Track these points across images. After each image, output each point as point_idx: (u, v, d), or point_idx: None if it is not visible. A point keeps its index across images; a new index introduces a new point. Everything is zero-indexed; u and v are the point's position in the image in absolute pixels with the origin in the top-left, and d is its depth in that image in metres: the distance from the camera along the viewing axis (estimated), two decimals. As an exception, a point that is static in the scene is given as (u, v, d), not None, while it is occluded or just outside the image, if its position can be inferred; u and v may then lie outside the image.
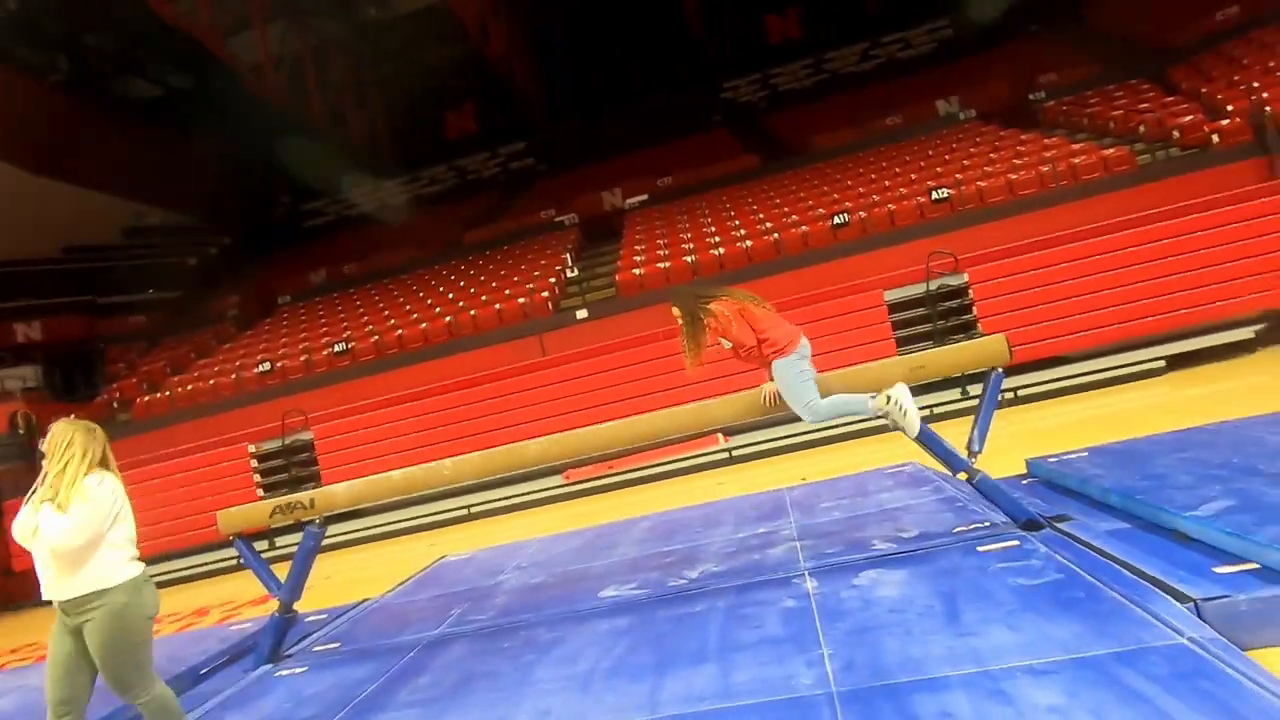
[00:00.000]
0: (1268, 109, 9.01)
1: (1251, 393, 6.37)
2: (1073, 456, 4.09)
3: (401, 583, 5.42)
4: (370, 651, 3.79)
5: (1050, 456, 4.20)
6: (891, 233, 9.92)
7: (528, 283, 11.77)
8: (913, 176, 11.35)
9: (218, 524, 4.03)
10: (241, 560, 4.12)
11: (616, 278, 11.00)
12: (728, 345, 3.48)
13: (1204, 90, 11.01)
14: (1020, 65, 16.20)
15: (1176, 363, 7.79)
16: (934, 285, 8.64)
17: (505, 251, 14.42)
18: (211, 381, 11.76)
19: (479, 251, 15.10)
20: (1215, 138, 9.42)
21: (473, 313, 11.14)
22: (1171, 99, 11.41)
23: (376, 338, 11.25)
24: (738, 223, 11.87)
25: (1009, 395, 7.85)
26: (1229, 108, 9.85)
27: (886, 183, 11.45)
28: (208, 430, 10.57)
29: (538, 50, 22.56)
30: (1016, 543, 3.13)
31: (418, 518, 9.07)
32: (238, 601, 6.84)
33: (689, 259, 10.70)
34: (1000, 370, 3.34)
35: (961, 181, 10.21)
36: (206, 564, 9.35)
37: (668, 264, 10.78)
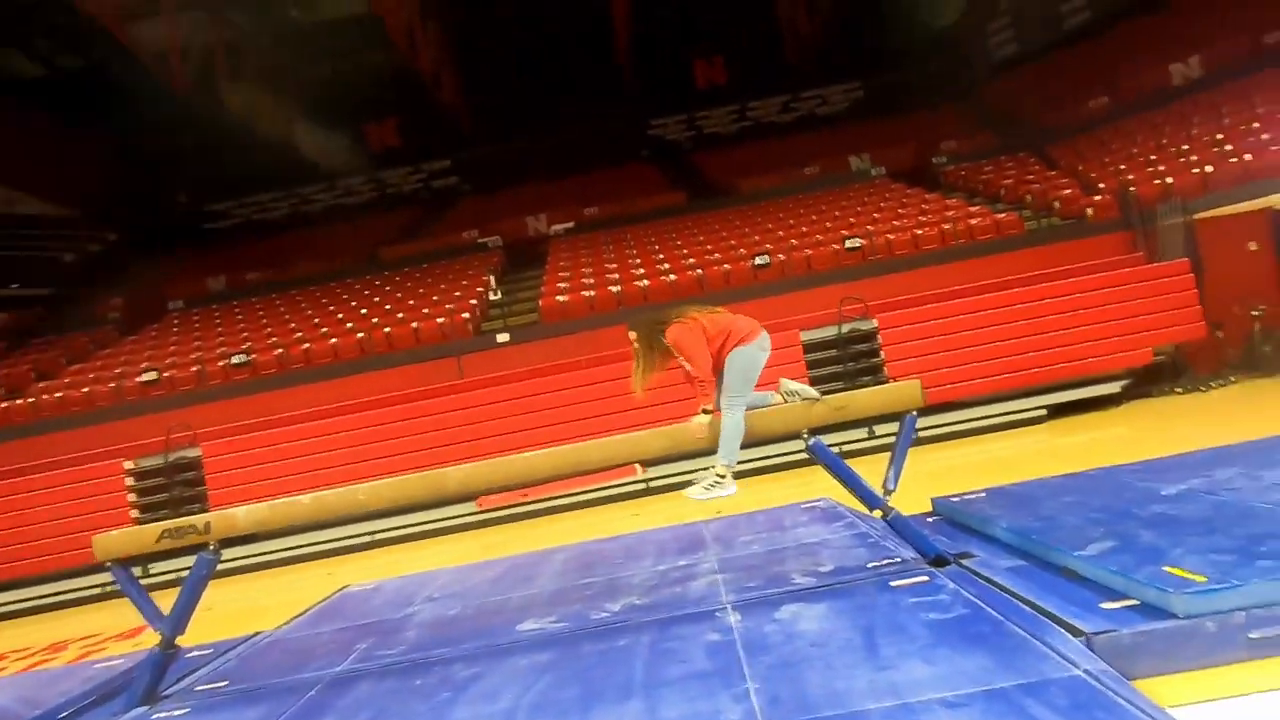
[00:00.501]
0: (1132, 189, 10.14)
1: (1118, 442, 7.04)
2: (973, 497, 4.37)
3: (298, 615, 5.07)
4: (263, 691, 3.51)
5: (953, 496, 4.47)
6: (808, 276, 10.40)
7: (447, 303, 11.51)
8: (828, 225, 11.99)
9: (93, 548, 3.66)
10: (119, 588, 3.74)
11: (540, 303, 10.95)
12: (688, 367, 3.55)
13: (1080, 168, 12.29)
14: (924, 131, 17.56)
15: (1056, 411, 8.52)
16: (845, 329, 9.10)
17: (424, 270, 14.06)
18: (86, 390, 10.71)
19: (396, 268, 14.66)
20: (1089, 211, 10.51)
21: (387, 330, 10.76)
22: (1053, 173, 12.65)
23: (280, 351, 10.64)
24: (662, 257, 12.12)
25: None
26: (1100, 185, 11.02)
27: (804, 229, 12.03)
28: (78, 443, 9.59)
29: (467, 69, 22.36)
30: (926, 578, 3.30)
31: (314, 544, 8.52)
32: (102, 635, 6.18)
33: (614, 289, 10.80)
34: (914, 413, 3.54)
35: (873, 233, 10.88)
36: (67, 592, 8.40)
37: (592, 293, 10.83)
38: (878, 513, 3.57)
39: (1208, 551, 2.74)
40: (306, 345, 10.72)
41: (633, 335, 3.69)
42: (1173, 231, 9.28)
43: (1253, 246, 9.54)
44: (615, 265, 12.06)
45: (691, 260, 11.53)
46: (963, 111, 19.10)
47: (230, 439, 9.03)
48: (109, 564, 3.66)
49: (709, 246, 12.16)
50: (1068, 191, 11.26)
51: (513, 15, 21.22)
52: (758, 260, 10.77)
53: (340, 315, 12.05)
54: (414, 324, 10.80)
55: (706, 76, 23.14)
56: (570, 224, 15.02)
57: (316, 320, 12.02)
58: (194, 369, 10.59)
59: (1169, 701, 2.12)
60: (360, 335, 10.70)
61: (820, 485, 7.14)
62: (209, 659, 4.30)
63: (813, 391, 3.62)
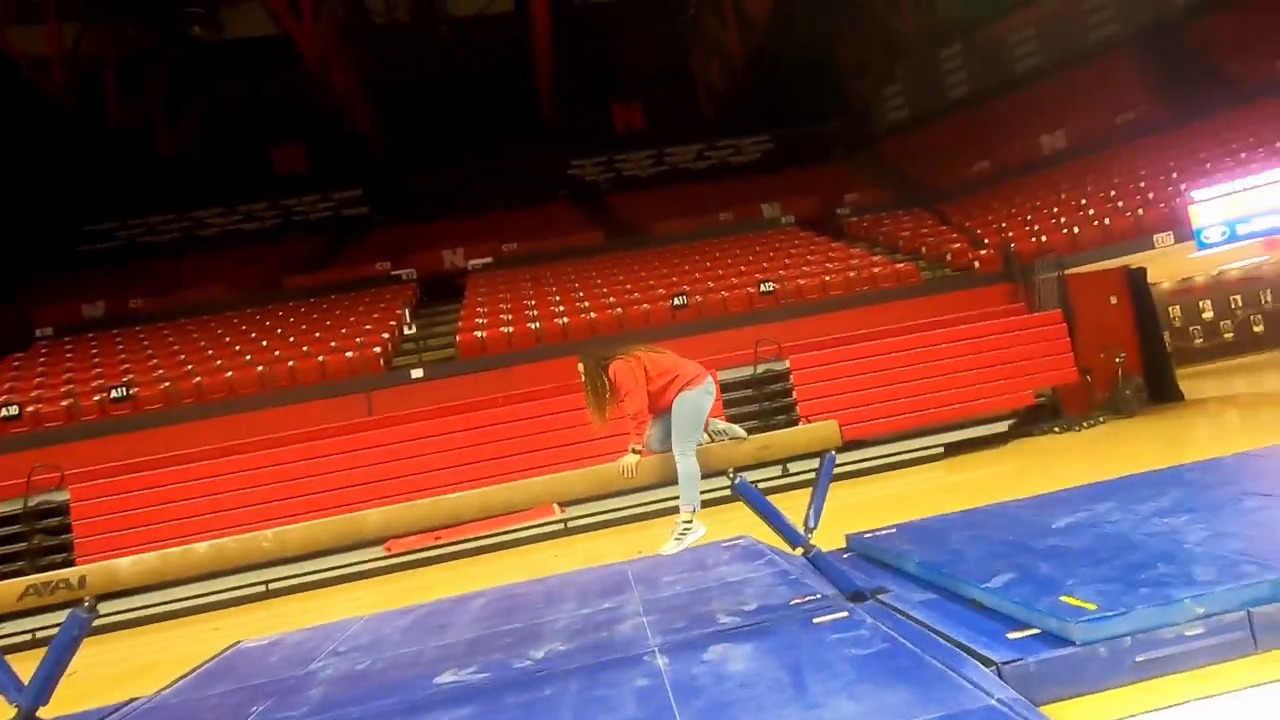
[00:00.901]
0: (1013, 245, 11.14)
1: (1006, 477, 7.57)
2: (884, 532, 4.57)
3: (181, 677, 4.61)
4: (142, 766, 3.16)
5: (866, 532, 4.65)
6: (724, 318, 10.72)
7: (357, 336, 11.05)
8: (742, 269, 12.45)
9: (-60, 608, 3.22)
10: (-30, 655, 3.29)
11: (458, 339, 10.70)
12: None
13: (967, 224, 13.42)
14: (828, 183, 18.69)
15: (951, 449, 9.08)
16: (760, 369, 9.40)
17: (333, 301, 13.48)
18: (-71, 425, 9.49)
19: (302, 298, 13.99)
20: (977, 264, 11.45)
21: (290, 364, 10.18)
22: (944, 228, 13.73)
23: (167, 384, 9.84)
24: (582, 294, 12.17)
25: (806, 477, 8.59)
26: (986, 241, 12.06)
27: (720, 271, 12.43)
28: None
29: (382, 98, 21.89)
30: (846, 614, 3.40)
31: (198, 596, 7.79)
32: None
33: (533, 325, 10.73)
34: (834, 453, 3.69)
35: (785, 278, 11.38)
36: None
37: (511, 329, 10.71)
38: (799, 550, 3.66)
39: (1096, 581, 2.97)
40: (198, 379, 9.97)
41: (581, 368, 3.74)
42: (1048, 285, 10.25)
43: (1113, 300, 10.66)
44: (534, 301, 12.00)
45: (611, 299, 11.64)
46: (863, 167, 20.50)
47: (105, 480, 8.19)
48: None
49: (628, 286, 12.33)
50: (958, 245, 12.24)
51: (432, 46, 21.14)
52: (676, 301, 11.02)
53: (238, 347, 11.31)
54: (320, 357, 10.28)
55: (625, 121, 23.74)
56: (489, 259, 14.88)
57: (210, 351, 11.23)
58: (64, 403, 9.59)
59: (1072, 726, 2.27)
60: (260, 369, 10.07)
61: (738, 522, 7.28)
62: (74, 731, 3.83)
63: (739, 430, 3.72)
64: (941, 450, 8.97)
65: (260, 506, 8.00)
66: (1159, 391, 10.44)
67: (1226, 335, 15.33)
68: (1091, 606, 2.69)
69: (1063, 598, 2.84)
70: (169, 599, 7.66)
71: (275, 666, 4.39)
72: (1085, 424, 9.50)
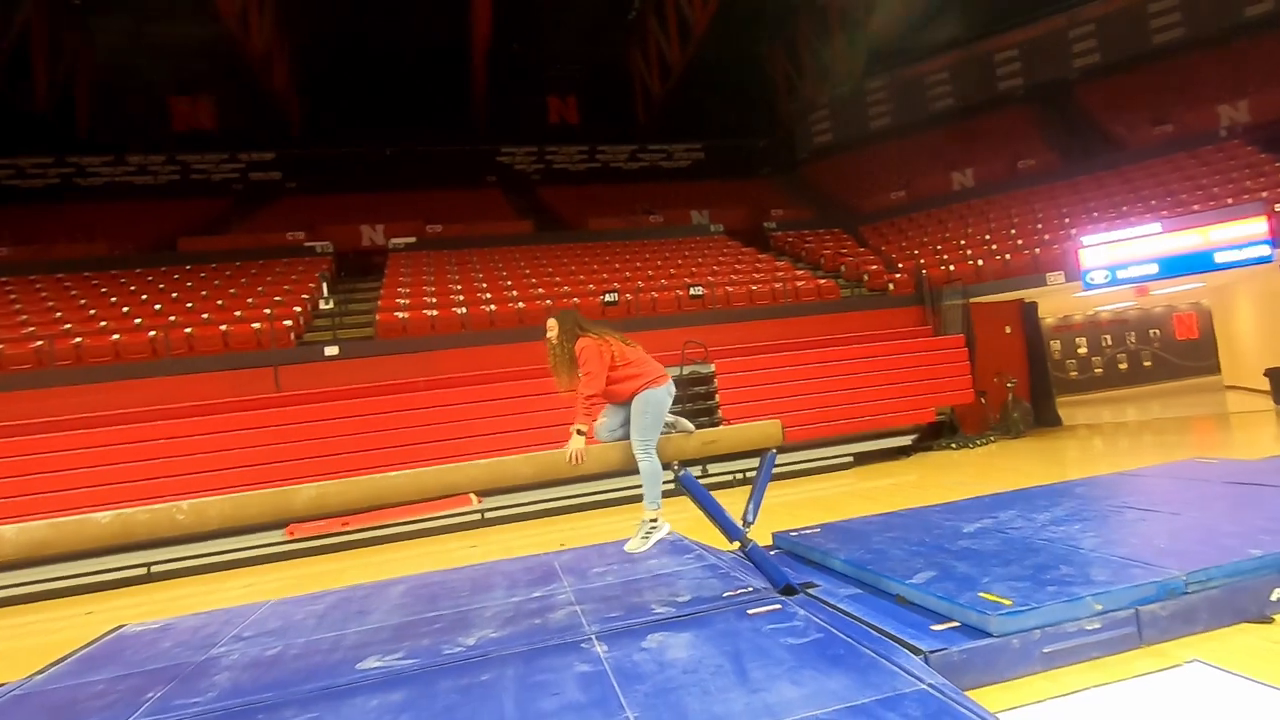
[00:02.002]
0: (924, 271, 11.87)
1: (911, 486, 8.05)
2: (809, 531, 4.76)
3: (55, 662, 4.18)
4: (19, 755, 2.85)
5: (791, 531, 4.83)
6: (654, 318, 10.83)
7: (265, 306, 10.37)
8: (672, 271, 12.61)
9: None
10: None
11: (377, 318, 10.24)
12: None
13: (883, 248, 14.18)
14: (755, 196, 19.27)
15: (861, 459, 9.56)
16: (687, 370, 9.55)
17: (238, 268, 12.59)
18: None
19: (201, 261, 12.99)
20: (891, 286, 12.12)
21: (188, 330, 9.42)
22: (863, 250, 14.44)
23: (40, 344, 8.87)
24: (510, 283, 11.96)
25: (739, 477, 8.85)
26: (900, 265, 12.78)
27: (650, 272, 12.54)
28: None
29: (303, 59, 20.68)
30: (779, 606, 3.52)
31: (65, 577, 7.06)
32: None
33: (460, 310, 10.43)
34: (774, 451, 3.82)
35: (714, 284, 11.62)
36: None
37: (435, 312, 10.37)
38: (736, 544, 3.76)
39: (1008, 579, 3.22)
40: (78, 340, 9.04)
41: (553, 323, 3.72)
42: (953, 311, 11.00)
43: (1008, 330, 11.56)
44: (460, 286, 11.67)
45: (540, 290, 11.50)
46: (786, 185, 21.25)
47: (-41, 445, 7.31)
48: None
49: (557, 278, 12.23)
50: (875, 267, 12.91)
51: (363, 11, 20.15)
52: (606, 297, 11.02)
53: (125, 308, 10.36)
54: (223, 326, 9.58)
55: (560, 113, 23.50)
56: (412, 238, 14.35)
57: (92, 311, 10.22)
58: (-90, 356, 8.47)
59: (992, 709, 2.46)
60: (152, 334, 9.25)
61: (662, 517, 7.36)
62: (-74, 720, 3.40)
63: (687, 424, 3.77)
64: (851, 459, 9.42)
65: (146, 482, 7.37)
66: (1042, 416, 11.42)
67: (1097, 370, 16.95)
68: (1007, 602, 2.92)
69: (980, 594, 3.06)
70: (30, 579, 6.91)
71: (169, 651, 4.07)
72: (979, 441, 10.24)
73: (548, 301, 10.88)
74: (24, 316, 9.97)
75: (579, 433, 3.53)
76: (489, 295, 11.23)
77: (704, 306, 11.21)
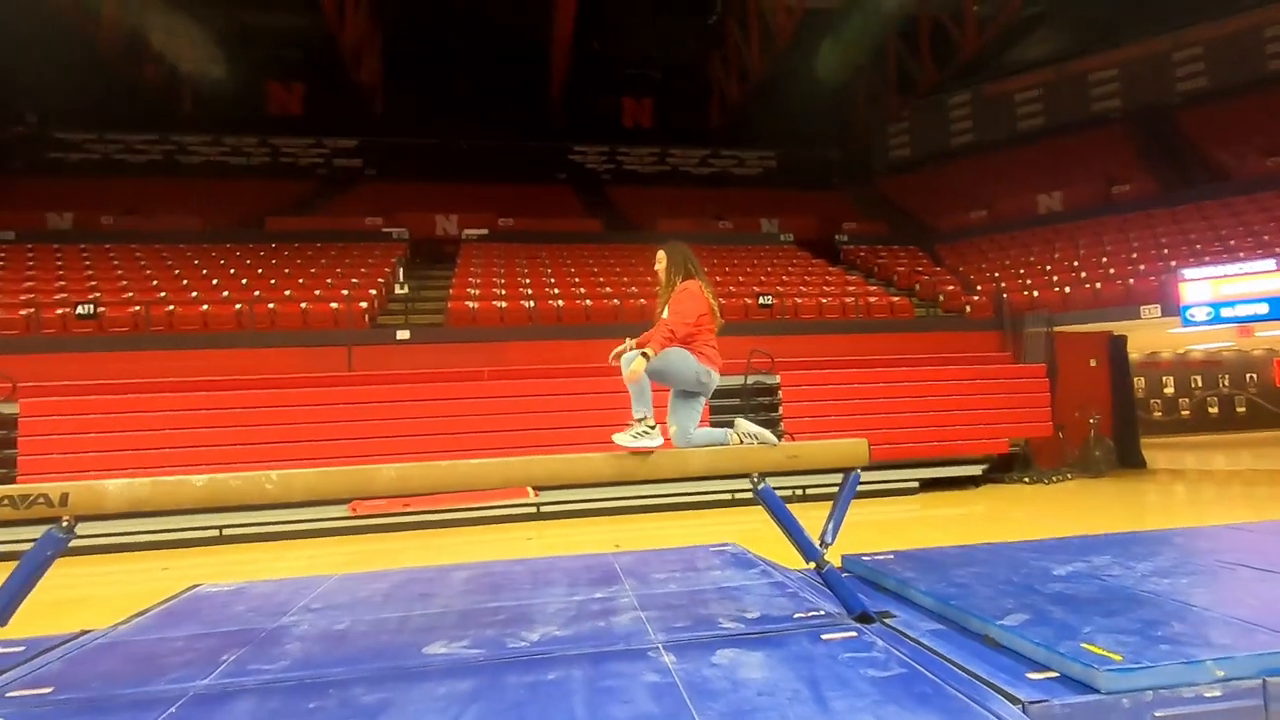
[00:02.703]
0: (1005, 295, 11.38)
1: (982, 519, 7.70)
2: (883, 558, 4.56)
3: (137, 614, 4.35)
4: (105, 702, 2.93)
5: (864, 555, 4.64)
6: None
7: (343, 288, 10.70)
8: (740, 278, 12.45)
9: (-99, 510, 2.96)
10: (-71, 564, 3.02)
11: (448, 305, 10.44)
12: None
13: (961, 269, 13.67)
14: (826, 208, 18.90)
15: (927, 485, 9.21)
16: (751, 380, 9.40)
17: (318, 249, 13.05)
18: None
19: (285, 241, 13.52)
20: (968, 308, 11.67)
21: (271, 306, 9.80)
22: (939, 269, 13.96)
23: (138, 309, 9.36)
24: (578, 280, 12.02)
25: (798, 493, 8.64)
26: (979, 287, 12.30)
27: (718, 278, 12.40)
28: None
29: (392, 52, 21.37)
30: (855, 634, 3.36)
31: (145, 532, 7.42)
32: None
33: (527, 304, 10.54)
34: (858, 471, 3.66)
35: (783, 294, 11.41)
36: None
37: (504, 304, 10.50)
38: (812, 564, 3.62)
39: (1113, 631, 2.99)
40: (171, 307, 9.51)
41: (662, 255, 3.78)
42: (1036, 339, 10.50)
43: (1093, 363, 10.97)
44: (529, 280, 11.80)
45: (608, 289, 11.52)
46: (859, 197, 20.78)
47: (60, 399, 7.75)
48: (-80, 531, 2.97)
49: (625, 278, 12.23)
50: (951, 287, 12.45)
51: (451, 9, 20.65)
52: (674, 300, 10.93)
53: (215, 280, 10.85)
54: (303, 304, 9.92)
55: (634, 116, 23.59)
56: (484, 230, 14.61)
57: (185, 281, 10.75)
58: (24, 312, 9.06)
59: (1102, 772, 2.26)
60: (238, 307, 9.66)
61: (718, 529, 7.25)
62: (20, 657, 3.57)
63: (770, 436, 3.65)
64: (917, 485, 9.09)
65: (222, 448, 7.68)
66: (1125, 456, 10.79)
67: (1184, 412, 15.97)
68: (1116, 657, 2.69)
69: (1084, 644, 2.84)
70: (112, 530, 7.28)
71: (243, 615, 4.17)
72: (1054, 478, 9.74)
73: (615, 301, 10.89)
74: (124, 282, 10.56)
75: (644, 355, 3.44)
76: (557, 291, 11.31)
77: (771, 316, 11.02)
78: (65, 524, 3.14)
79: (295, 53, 20.38)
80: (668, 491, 8.47)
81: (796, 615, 3.71)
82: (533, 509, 8.29)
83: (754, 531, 7.24)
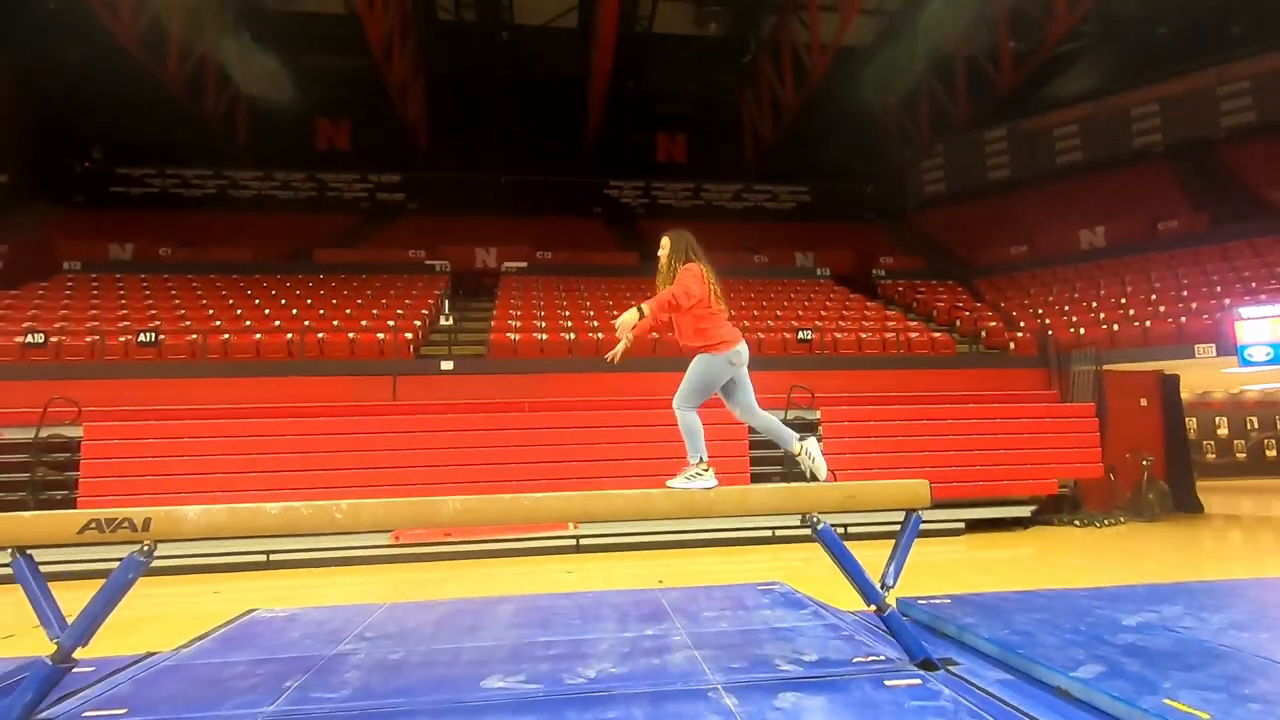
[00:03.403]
0: (1050, 332, 11.19)
1: (1032, 561, 7.48)
2: (940, 602, 4.46)
3: (198, 637, 4.45)
4: (177, 726, 3.01)
5: (919, 599, 4.54)
6: (758, 358, 10.54)
7: (389, 319, 10.97)
8: (778, 312, 12.45)
9: (-6, 530, 3.10)
10: (19, 583, 3.14)
11: (490, 337, 10.62)
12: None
13: (1002, 304, 13.50)
14: (860, 242, 18.87)
15: (973, 526, 8.99)
16: (791, 415, 9.34)
17: (364, 280, 13.42)
18: (-54, 339, 9.32)
19: (332, 272, 13.93)
20: (1012, 345, 11.48)
21: (321, 335, 10.08)
22: (979, 305, 13.80)
23: (195, 337, 9.70)
24: (616, 313, 12.11)
25: (839, 531, 8.47)
26: (1021, 324, 12.11)
27: (755, 312, 12.43)
28: (-77, 399, 8.27)
29: (435, 90, 22.13)
30: (919, 681, 3.29)
31: (194, 555, 7.57)
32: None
33: (567, 336, 10.66)
34: (919, 513, 3.61)
35: (821, 329, 11.38)
36: None
37: (545, 335, 10.65)
38: (872, 607, 3.56)
39: (1195, 688, 2.88)
40: (226, 336, 9.84)
41: (666, 241, 3.83)
42: (1084, 377, 10.27)
43: (1143, 402, 10.68)
44: (569, 312, 11.96)
45: (646, 322, 11.61)
46: (893, 231, 20.71)
47: (121, 423, 8.03)
48: (12, 551, 3.10)
49: (662, 312, 12.31)
50: (994, 324, 12.29)
51: (492, 50, 21.37)
52: (711, 334, 10.97)
53: (267, 310, 11.21)
54: (351, 334, 10.18)
55: (668, 151, 23.96)
56: (523, 263, 14.88)
57: (239, 311, 11.13)
58: (89, 339, 9.45)
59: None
60: (290, 336, 9.95)
61: (760, 566, 7.15)
62: (92, 677, 3.67)
63: (823, 469, 3.66)
64: (962, 525, 8.88)
65: (273, 474, 7.85)
66: (1180, 500, 10.41)
67: (1239, 455, 15.39)
68: (1204, 715, 2.60)
69: (1167, 700, 2.74)
70: (164, 553, 7.42)
71: (300, 642, 4.24)
72: (1106, 521, 9.43)
73: (653, 335, 10.92)
74: (181, 311, 10.97)
75: (639, 310, 3.55)
76: (596, 323, 11.43)
77: (810, 351, 10.98)
78: (145, 548, 3.26)
79: (344, 91, 21.24)
80: (708, 527, 8.40)
81: (856, 660, 3.64)
82: (571, 541, 8.28)
83: (796, 569, 7.13)
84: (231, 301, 11.62)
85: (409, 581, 6.87)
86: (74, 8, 15.22)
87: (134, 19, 15.80)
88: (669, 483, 3.71)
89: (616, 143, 22.58)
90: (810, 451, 3.74)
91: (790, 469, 9.06)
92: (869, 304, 13.38)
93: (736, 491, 3.59)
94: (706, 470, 3.69)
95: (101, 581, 3.46)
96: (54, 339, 9.28)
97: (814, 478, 3.80)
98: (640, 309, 3.58)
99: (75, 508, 7.57)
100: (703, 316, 3.68)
